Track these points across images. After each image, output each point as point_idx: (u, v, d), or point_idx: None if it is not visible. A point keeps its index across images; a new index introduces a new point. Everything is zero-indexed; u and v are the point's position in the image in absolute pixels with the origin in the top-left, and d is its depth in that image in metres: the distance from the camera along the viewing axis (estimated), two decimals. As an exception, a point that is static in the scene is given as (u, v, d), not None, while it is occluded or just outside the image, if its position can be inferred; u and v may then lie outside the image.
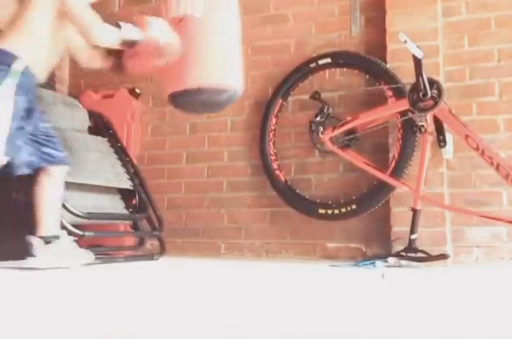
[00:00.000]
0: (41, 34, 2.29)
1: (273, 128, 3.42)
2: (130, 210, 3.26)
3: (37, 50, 2.30)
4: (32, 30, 2.27)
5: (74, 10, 2.20)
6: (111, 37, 2.21)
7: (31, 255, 2.36)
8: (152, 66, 2.40)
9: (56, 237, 2.40)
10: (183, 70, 2.38)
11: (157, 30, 2.26)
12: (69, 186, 2.87)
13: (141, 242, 3.33)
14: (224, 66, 2.41)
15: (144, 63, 2.41)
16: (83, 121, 3.39)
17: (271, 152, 3.40)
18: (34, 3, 2.26)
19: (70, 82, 4.10)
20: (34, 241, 2.36)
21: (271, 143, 3.40)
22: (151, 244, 3.43)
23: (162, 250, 3.22)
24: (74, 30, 2.34)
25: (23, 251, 2.39)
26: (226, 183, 3.59)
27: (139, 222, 3.34)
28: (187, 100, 2.41)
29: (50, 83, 3.45)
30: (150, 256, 3.06)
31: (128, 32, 2.22)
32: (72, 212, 2.70)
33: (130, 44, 2.25)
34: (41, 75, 2.38)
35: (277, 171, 3.37)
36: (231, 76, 2.44)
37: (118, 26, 2.21)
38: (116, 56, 2.47)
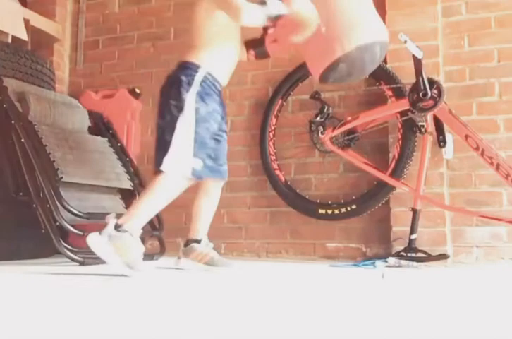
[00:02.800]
0: (221, 43, 2.38)
1: (273, 128, 3.42)
2: (130, 210, 3.25)
3: (218, 59, 2.38)
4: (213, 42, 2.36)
5: None
6: (258, 16, 2.22)
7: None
8: (292, 42, 2.41)
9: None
10: (328, 41, 2.37)
11: (300, 3, 2.25)
12: (69, 186, 2.87)
13: (141, 242, 3.32)
14: (365, 21, 2.43)
15: (285, 42, 2.48)
16: (83, 121, 3.39)
17: (271, 152, 3.40)
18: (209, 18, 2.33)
19: (70, 82, 4.11)
20: None
21: (271, 143, 3.40)
22: (151, 244, 3.43)
23: (162, 250, 3.22)
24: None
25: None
26: (225, 183, 3.59)
27: (140, 222, 3.33)
28: (343, 68, 2.40)
29: (50, 83, 3.45)
30: (150, 256, 3.05)
31: (275, 7, 2.21)
32: (72, 212, 2.69)
33: (276, 19, 2.23)
34: (224, 80, 2.44)
35: (277, 171, 3.37)
36: (375, 29, 2.46)
37: (264, 3, 2.22)
38: (254, 46, 2.55)
